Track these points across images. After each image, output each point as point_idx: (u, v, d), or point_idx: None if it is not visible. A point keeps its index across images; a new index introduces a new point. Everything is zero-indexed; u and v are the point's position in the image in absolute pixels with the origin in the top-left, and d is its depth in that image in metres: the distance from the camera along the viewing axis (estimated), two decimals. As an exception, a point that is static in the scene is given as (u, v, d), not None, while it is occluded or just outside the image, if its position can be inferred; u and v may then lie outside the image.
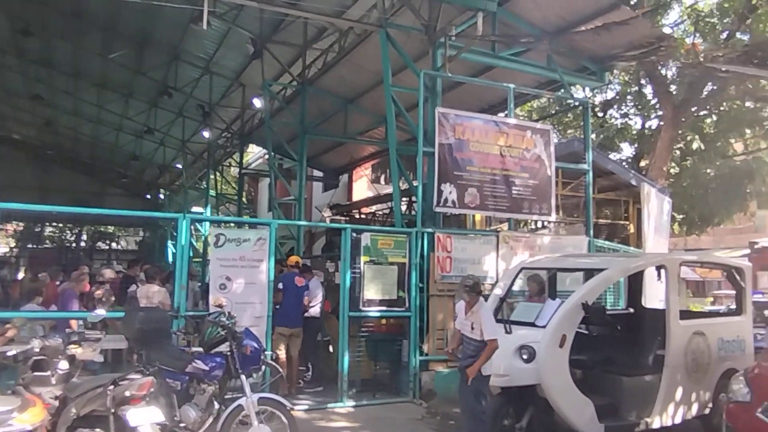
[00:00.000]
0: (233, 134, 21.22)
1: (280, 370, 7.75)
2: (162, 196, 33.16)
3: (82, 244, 37.40)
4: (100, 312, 5.89)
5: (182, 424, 5.63)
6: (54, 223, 36.18)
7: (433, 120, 9.02)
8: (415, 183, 9.27)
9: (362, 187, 23.22)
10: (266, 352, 7.23)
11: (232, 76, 17.57)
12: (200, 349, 5.90)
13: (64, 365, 5.19)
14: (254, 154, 27.30)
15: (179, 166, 26.94)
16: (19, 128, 29.08)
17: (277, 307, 8.22)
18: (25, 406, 3.14)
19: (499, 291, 7.26)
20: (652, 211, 12.82)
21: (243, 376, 5.54)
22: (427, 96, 9.39)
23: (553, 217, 10.09)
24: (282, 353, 8.37)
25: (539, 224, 14.48)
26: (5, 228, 34.84)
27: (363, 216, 20.62)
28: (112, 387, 4.57)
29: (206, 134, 21.12)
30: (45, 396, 4.94)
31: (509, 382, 6.09)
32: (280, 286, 8.28)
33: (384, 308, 8.60)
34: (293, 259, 9.37)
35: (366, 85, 13.89)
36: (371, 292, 8.47)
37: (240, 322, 6.70)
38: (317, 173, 22.58)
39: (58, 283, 9.36)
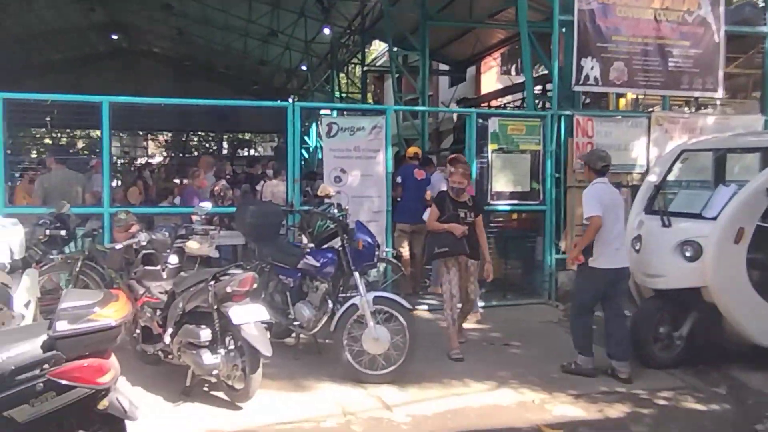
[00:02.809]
0: (354, 31, 20.41)
1: (402, 268, 7.29)
2: (291, 101, 33.45)
3: (224, 151, 39.32)
4: (205, 205, 5.63)
5: (296, 323, 5.35)
6: (199, 133, 38.15)
7: (572, -19, 7.65)
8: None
9: (491, 79, 21.69)
10: (386, 249, 6.76)
11: (350, -37, 16.59)
12: (312, 245, 5.51)
13: (173, 259, 5.03)
14: (379, 51, 26.40)
15: (304, 68, 26.78)
16: (158, 41, 30.18)
17: (398, 200, 7.71)
18: (107, 300, 2.77)
19: (653, 178, 6.13)
20: None
21: (356, 274, 5.04)
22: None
23: (720, 94, 8.43)
24: (405, 251, 7.85)
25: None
26: (157, 138, 37.47)
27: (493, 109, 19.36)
28: (213, 282, 4.26)
29: (327, 32, 20.48)
30: (155, 290, 4.80)
31: (667, 283, 5.18)
32: (399, 179, 7.68)
33: (515, 201, 7.78)
34: (412, 150, 8.65)
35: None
36: (501, 183, 7.63)
37: (357, 217, 6.21)
38: (443, 67, 21.36)
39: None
